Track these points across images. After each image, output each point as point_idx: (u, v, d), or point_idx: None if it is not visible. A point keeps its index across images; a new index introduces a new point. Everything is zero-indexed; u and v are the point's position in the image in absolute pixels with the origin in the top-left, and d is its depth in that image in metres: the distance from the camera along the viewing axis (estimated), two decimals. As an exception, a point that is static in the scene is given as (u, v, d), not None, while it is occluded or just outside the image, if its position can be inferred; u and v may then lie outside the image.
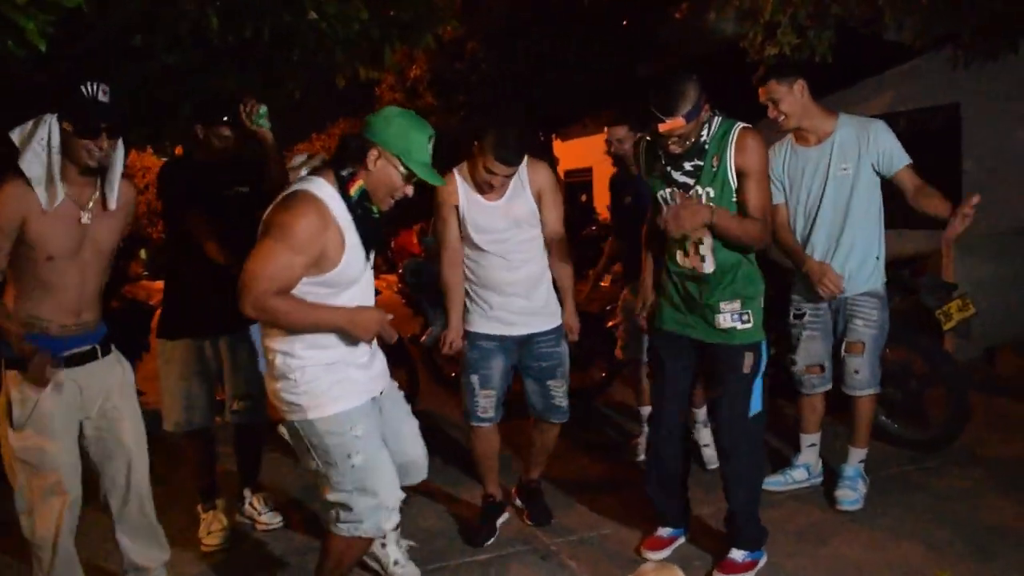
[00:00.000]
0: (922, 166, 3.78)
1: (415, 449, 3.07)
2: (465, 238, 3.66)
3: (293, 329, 2.65)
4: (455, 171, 3.64)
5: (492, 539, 3.81)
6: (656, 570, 2.48)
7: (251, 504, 4.13)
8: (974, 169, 8.37)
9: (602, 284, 10.00)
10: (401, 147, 2.61)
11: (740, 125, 3.12)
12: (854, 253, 3.81)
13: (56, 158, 2.68)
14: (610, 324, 6.49)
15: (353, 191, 2.63)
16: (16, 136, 2.70)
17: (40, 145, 2.67)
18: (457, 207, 3.61)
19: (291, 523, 4.11)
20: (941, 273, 5.88)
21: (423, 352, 6.95)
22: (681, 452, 3.48)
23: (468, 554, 3.67)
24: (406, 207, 3.10)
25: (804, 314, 3.98)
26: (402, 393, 3.14)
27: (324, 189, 2.59)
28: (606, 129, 4.64)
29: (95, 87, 2.69)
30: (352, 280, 2.71)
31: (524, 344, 3.76)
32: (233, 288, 2.64)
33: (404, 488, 2.88)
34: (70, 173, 2.73)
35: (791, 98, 3.74)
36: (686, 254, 3.22)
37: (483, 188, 3.54)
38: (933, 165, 8.29)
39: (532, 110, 10.94)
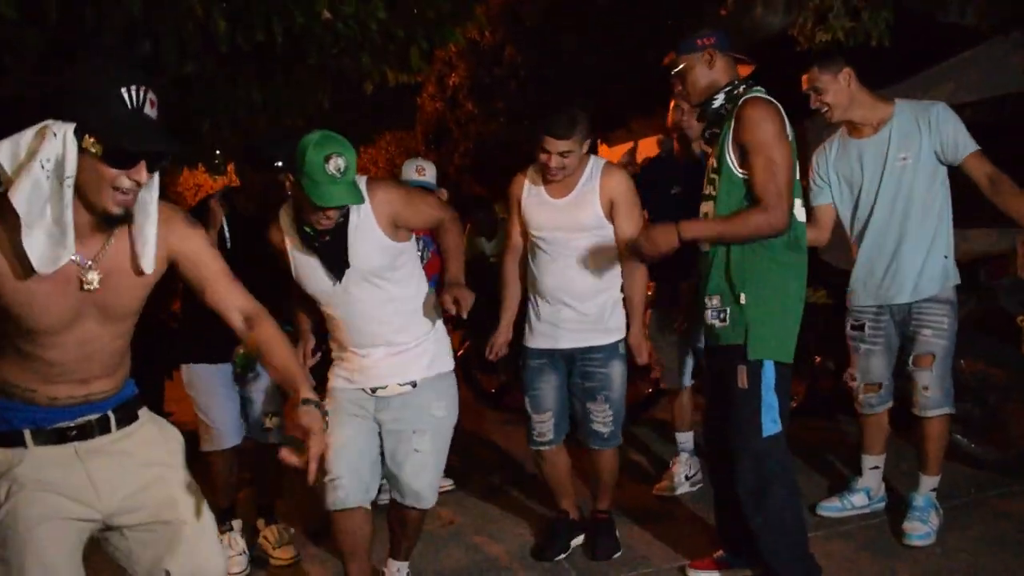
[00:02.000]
0: (994, 159, 3.38)
1: (408, 476, 3.00)
2: (526, 236, 3.57)
3: None
4: (529, 169, 3.56)
5: (564, 555, 3.61)
6: None
7: (264, 537, 3.87)
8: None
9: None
10: (298, 168, 2.62)
11: (749, 95, 2.90)
12: (917, 252, 3.40)
13: (68, 193, 1.82)
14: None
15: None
16: (5, 154, 1.84)
17: (44, 170, 1.80)
18: (520, 202, 3.53)
19: (305, 557, 3.83)
20: (1017, 275, 5.40)
21: (463, 367, 6.66)
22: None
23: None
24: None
25: (863, 325, 3.58)
26: (437, 416, 3.01)
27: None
28: (671, 100, 4.10)
29: (141, 93, 1.86)
30: (321, 293, 2.92)
31: (571, 359, 3.51)
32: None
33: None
34: (82, 217, 1.90)
35: (836, 87, 3.42)
36: None
37: (545, 176, 3.41)
38: (1004, 159, 7.85)
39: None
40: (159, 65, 4.81)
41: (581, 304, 3.44)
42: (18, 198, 1.79)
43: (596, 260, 3.43)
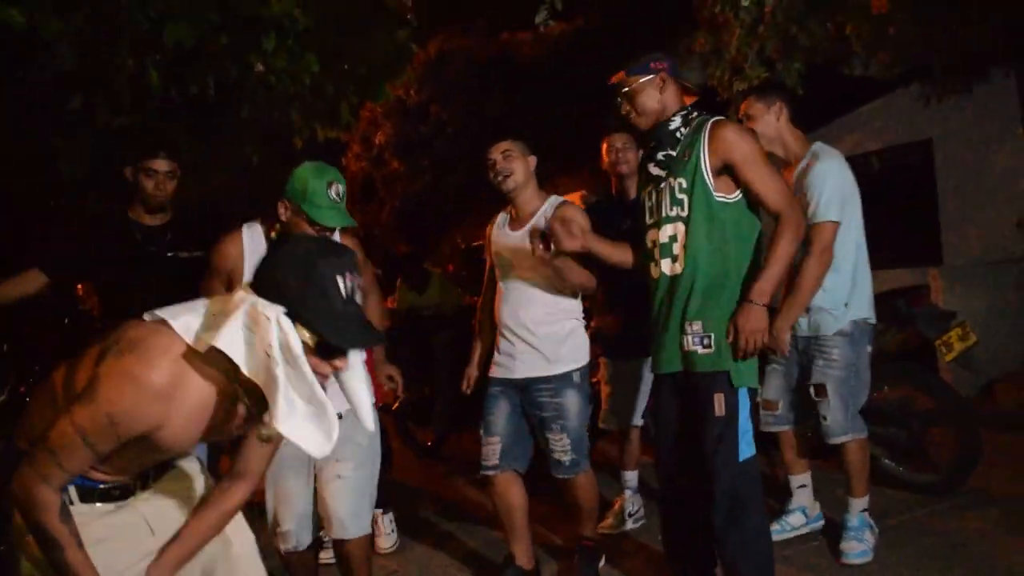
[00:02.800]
0: (899, 203, 3.56)
1: (333, 502, 3.09)
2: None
3: None
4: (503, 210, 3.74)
5: None
6: None
7: None
8: (951, 203, 8.24)
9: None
10: (299, 193, 2.81)
11: (713, 118, 2.92)
12: (816, 297, 3.47)
13: (307, 371, 1.75)
14: (594, 380, 6.22)
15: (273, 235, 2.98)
16: (236, 351, 1.76)
17: (270, 359, 1.73)
18: (490, 237, 3.72)
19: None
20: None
21: (397, 421, 6.63)
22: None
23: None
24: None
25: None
26: (361, 445, 3.09)
27: (254, 228, 3.06)
28: (604, 143, 4.25)
29: (352, 282, 1.80)
30: None
31: (525, 390, 3.56)
32: None
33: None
34: None
35: (767, 118, 3.56)
36: (655, 262, 3.01)
37: (498, 188, 3.57)
38: (910, 201, 8.27)
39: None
40: (90, 118, 4.79)
41: (532, 335, 3.51)
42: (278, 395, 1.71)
43: (547, 292, 3.52)
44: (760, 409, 3.76)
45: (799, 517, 3.87)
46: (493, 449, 3.58)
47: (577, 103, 9.68)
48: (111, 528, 2.01)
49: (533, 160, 3.57)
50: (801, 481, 3.89)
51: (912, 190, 8.08)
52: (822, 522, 3.90)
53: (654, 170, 3.01)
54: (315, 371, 1.76)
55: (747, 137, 2.90)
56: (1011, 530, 3.67)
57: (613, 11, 9.95)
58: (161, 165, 3.45)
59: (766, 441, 5.03)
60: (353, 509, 3.08)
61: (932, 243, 8.05)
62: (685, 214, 2.91)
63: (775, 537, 3.73)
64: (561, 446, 3.52)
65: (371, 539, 3.33)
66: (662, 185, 2.98)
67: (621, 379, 4.29)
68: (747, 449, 2.88)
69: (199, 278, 3.11)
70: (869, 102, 8.10)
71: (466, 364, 3.85)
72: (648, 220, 3.07)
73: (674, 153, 2.95)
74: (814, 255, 3.32)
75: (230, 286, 2.96)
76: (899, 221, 7.76)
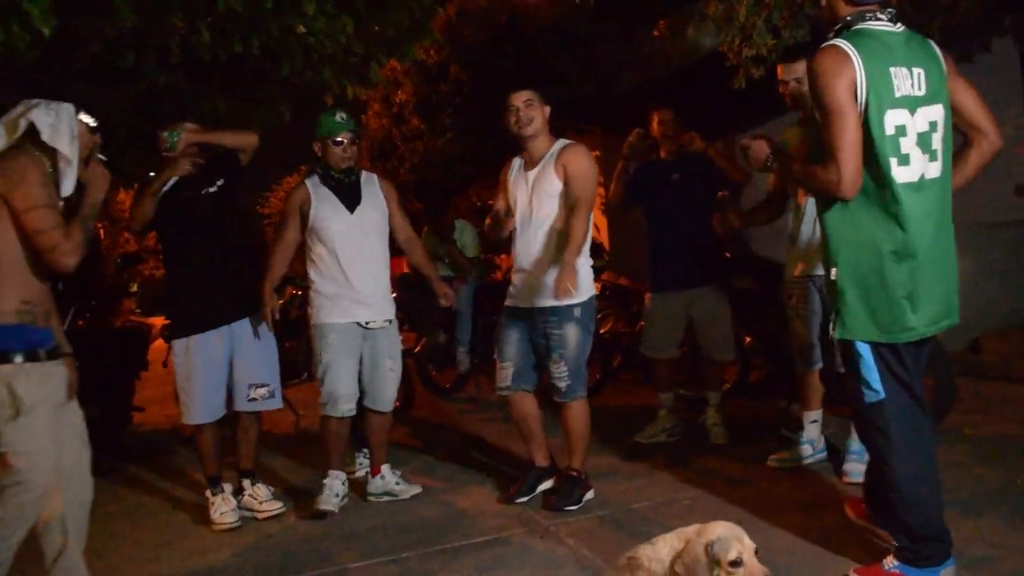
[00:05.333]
0: None
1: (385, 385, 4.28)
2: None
3: None
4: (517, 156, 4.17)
5: (525, 499, 4.06)
6: (714, 528, 2.23)
7: (251, 495, 4.24)
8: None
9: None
10: (321, 128, 4.28)
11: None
12: None
13: None
14: (602, 331, 6.62)
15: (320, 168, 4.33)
16: None
17: None
18: (506, 181, 4.14)
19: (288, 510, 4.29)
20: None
21: (417, 364, 7.06)
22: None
23: (466, 537, 3.72)
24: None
25: (792, 297, 4.14)
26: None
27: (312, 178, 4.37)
28: (654, 116, 4.92)
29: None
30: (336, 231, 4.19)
31: (532, 319, 3.97)
32: (232, 278, 3.86)
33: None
34: None
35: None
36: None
37: (518, 133, 3.97)
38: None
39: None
40: (138, 75, 5.15)
41: (541, 268, 3.87)
42: None
43: (558, 230, 3.86)
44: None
45: (808, 448, 4.30)
46: (507, 372, 4.05)
47: (591, 65, 9.95)
48: None
49: (548, 109, 3.96)
50: (814, 417, 4.32)
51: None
52: (826, 453, 4.33)
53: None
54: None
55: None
56: (978, 462, 4.07)
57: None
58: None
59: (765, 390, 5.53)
60: (394, 393, 4.31)
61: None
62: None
63: (786, 465, 4.25)
64: (559, 372, 3.91)
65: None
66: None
67: (659, 312, 4.90)
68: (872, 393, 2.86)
69: (223, 207, 4.18)
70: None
71: (483, 312, 4.35)
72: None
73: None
74: None
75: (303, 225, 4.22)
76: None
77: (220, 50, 4.76)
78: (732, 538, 2.18)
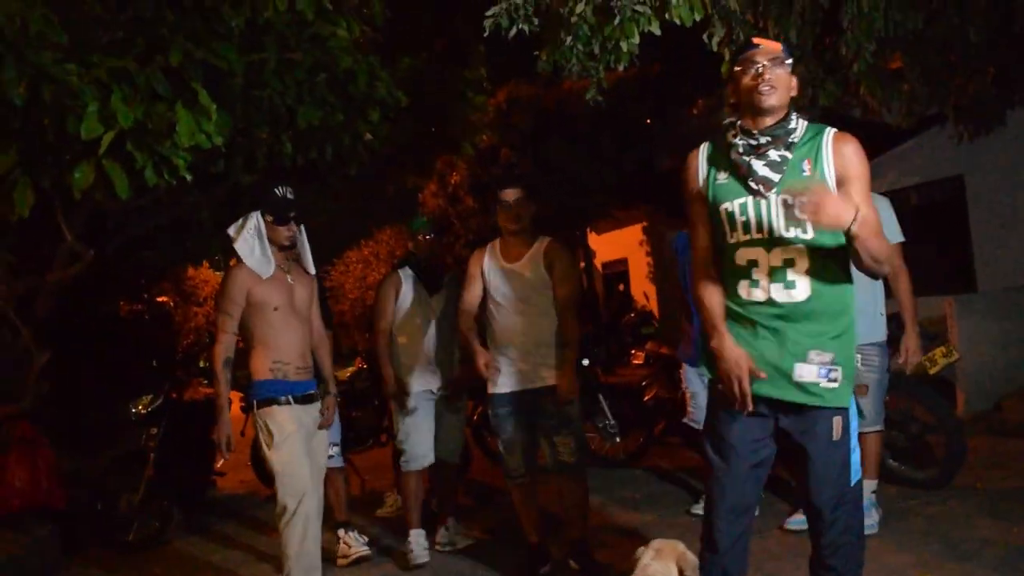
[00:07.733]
0: (932, 235, 4.21)
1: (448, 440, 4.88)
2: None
3: None
4: (487, 247, 4.28)
5: None
6: (658, 548, 2.61)
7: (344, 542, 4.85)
8: (982, 235, 8.93)
9: (634, 361, 10.53)
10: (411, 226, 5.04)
11: (829, 128, 2.60)
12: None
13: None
14: (646, 398, 7.07)
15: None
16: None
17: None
18: (483, 270, 4.19)
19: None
20: (946, 333, 6.41)
21: (475, 432, 7.54)
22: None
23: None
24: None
25: None
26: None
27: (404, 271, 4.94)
28: None
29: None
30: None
31: (532, 401, 4.04)
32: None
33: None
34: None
35: None
36: (754, 284, 2.62)
37: (509, 227, 4.12)
38: (943, 233, 8.97)
39: (564, 206, 11.81)
40: (226, 177, 5.89)
41: (535, 351, 4.03)
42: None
43: (545, 314, 4.07)
44: None
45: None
46: (518, 460, 4.11)
47: (629, 146, 10.61)
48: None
49: (532, 207, 4.17)
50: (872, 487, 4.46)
51: (945, 223, 8.87)
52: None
53: (762, 171, 2.56)
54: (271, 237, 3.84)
55: (863, 154, 2.57)
56: (985, 514, 4.38)
57: (670, 60, 10.83)
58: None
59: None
60: (456, 446, 4.95)
61: (966, 271, 8.80)
62: (808, 236, 2.56)
63: (794, 528, 4.42)
64: (569, 448, 4.01)
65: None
66: (770, 196, 2.57)
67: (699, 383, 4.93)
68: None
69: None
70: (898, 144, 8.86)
71: None
72: (743, 237, 2.63)
73: (790, 156, 2.56)
74: (901, 273, 4.17)
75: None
76: (933, 251, 8.52)
77: (299, 156, 5.47)
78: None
